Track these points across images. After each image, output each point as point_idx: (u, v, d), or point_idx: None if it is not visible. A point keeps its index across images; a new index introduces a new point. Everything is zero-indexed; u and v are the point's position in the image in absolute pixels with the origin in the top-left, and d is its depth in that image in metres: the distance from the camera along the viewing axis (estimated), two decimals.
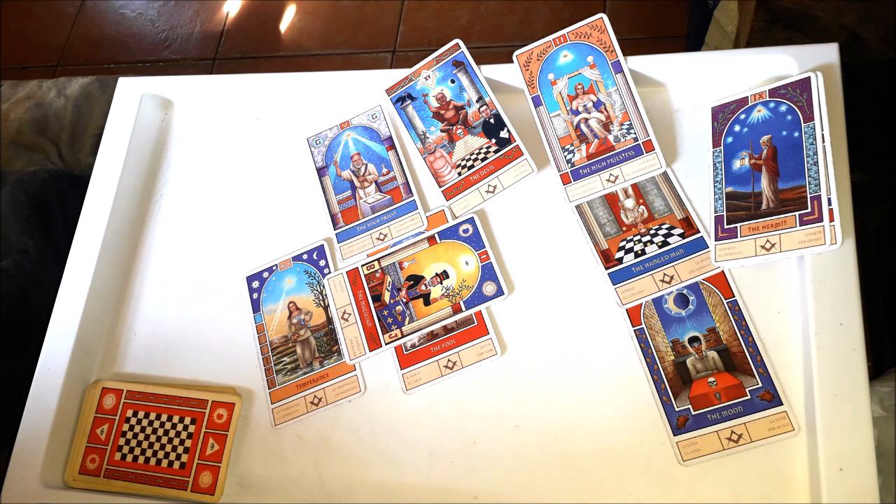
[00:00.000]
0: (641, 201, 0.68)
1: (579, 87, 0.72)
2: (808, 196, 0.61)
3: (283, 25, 1.69)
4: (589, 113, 0.71)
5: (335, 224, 0.75)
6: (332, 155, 0.78)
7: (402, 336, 0.69)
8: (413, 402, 0.68)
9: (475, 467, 0.64)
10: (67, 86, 1.19)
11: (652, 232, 0.67)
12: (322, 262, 0.74)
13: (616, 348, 0.65)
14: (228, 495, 0.68)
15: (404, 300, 0.70)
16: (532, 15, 1.55)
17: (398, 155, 0.76)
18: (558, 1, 1.54)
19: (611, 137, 0.70)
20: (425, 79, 0.77)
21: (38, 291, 0.89)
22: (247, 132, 0.82)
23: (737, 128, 0.67)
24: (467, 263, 0.70)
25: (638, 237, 0.67)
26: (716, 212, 0.66)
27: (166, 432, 0.70)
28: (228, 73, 0.85)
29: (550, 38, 0.73)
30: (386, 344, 0.69)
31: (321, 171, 0.78)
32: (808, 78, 0.64)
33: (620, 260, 0.67)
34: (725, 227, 0.64)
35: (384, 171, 0.76)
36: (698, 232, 0.66)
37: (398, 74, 0.78)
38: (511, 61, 0.74)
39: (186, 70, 1.69)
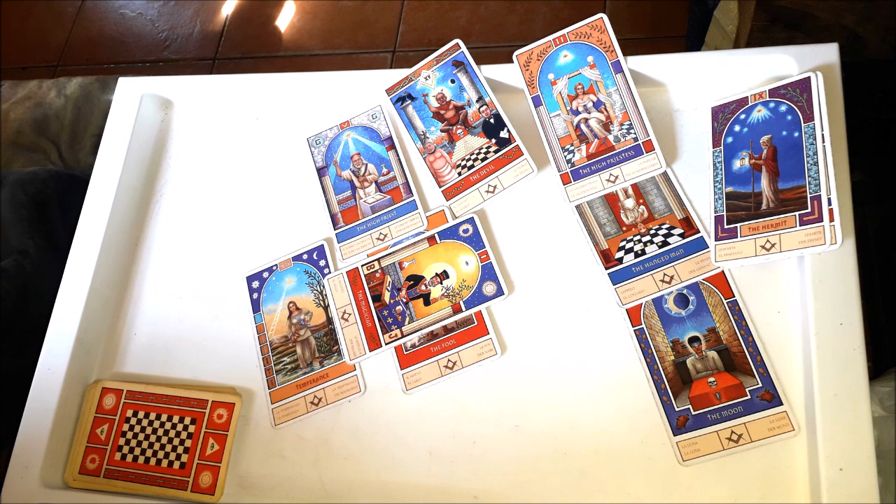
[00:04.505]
0: (641, 201, 0.68)
1: (579, 87, 0.72)
2: (808, 196, 0.61)
3: (283, 25, 1.69)
4: (589, 113, 0.71)
5: (335, 224, 0.75)
6: (332, 155, 0.78)
7: (402, 336, 0.69)
8: (413, 402, 0.68)
9: (475, 467, 0.64)
10: (67, 86, 1.19)
11: (652, 232, 0.67)
12: (322, 262, 0.74)
13: (616, 348, 0.65)
14: (228, 495, 0.68)
15: (404, 300, 0.70)
16: (532, 15, 1.55)
17: (398, 155, 0.76)
18: (558, 1, 1.54)
19: (611, 137, 0.70)
20: (425, 79, 0.77)
21: (38, 291, 0.89)
22: (247, 132, 0.82)
23: (737, 128, 0.67)
24: (467, 263, 0.70)
25: (638, 237, 0.67)
26: (716, 212, 0.66)
27: (166, 432, 0.70)
28: (228, 73, 0.85)
29: (550, 38, 0.73)
30: (386, 344, 0.69)
31: (321, 171, 0.78)
32: (808, 78, 0.64)
33: (620, 260, 0.67)
34: (725, 227, 0.64)
35: (384, 171, 0.76)
36: (698, 232, 0.66)
37: (398, 74, 0.78)
38: (511, 61, 0.74)
39: (186, 70, 1.69)
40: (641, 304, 0.65)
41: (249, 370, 0.72)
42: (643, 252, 0.67)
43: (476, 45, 1.47)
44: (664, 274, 0.66)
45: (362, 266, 0.72)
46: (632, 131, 0.69)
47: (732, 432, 0.60)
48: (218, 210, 0.80)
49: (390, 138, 0.77)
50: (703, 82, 0.71)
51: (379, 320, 0.70)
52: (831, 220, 0.59)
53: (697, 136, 0.70)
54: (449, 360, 0.68)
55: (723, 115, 0.69)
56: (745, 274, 0.64)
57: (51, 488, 0.69)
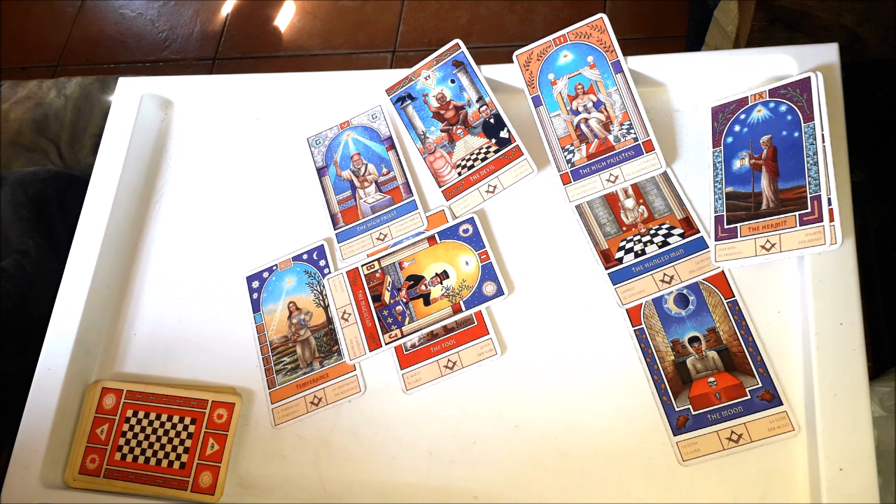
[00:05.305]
0: (641, 201, 0.68)
1: (579, 87, 0.72)
2: (808, 196, 0.61)
3: (283, 25, 1.69)
4: (589, 113, 0.71)
5: (335, 224, 0.75)
6: (332, 155, 0.78)
7: (402, 336, 0.69)
8: (413, 402, 0.68)
9: (475, 467, 0.64)
10: (67, 86, 1.19)
11: (652, 232, 0.67)
12: (322, 262, 0.74)
13: (616, 348, 0.65)
14: (228, 495, 0.68)
15: (404, 300, 0.70)
16: (532, 15, 1.55)
17: (398, 155, 0.76)
18: (558, 1, 1.54)
19: (611, 137, 0.70)
20: (425, 79, 0.77)
21: (38, 291, 0.89)
22: (247, 132, 0.82)
23: (737, 128, 0.67)
24: (467, 263, 0.70)
25: (638, 237, 0.67)
26: (716, 212, 0.66)
27: (166, 432, 0.70)
28: (228, 73, 0.85)
29: (550, 38, 0.73)
30: (386, 344, 0.69)
31: (321, 171, 0.78)
32: (808, 78, 0.64)
33: (620, 260, 0.67)
34: (725, 227, 0.64)
35: (384, 171, 0.76)
36: (698, 232, 0.66)
37: (398, 74, 0.78)
38: (511, 61, 0.74)
39: (186, 70, 1.69)
40: (641, 304, 0.65)
41: (249, 370, 0.72)
42: (643, 252, 0.67)
43: (476, 45, 1.47)
44: (664, 274, 0.66)
45: (362, 266, 0.72)
46: (632, 131, 0.69)
47: (732, 432, 0.60)
48: (218, 210, 0.80)
49: (390, 138, 0.77)
50: (703, 82, 0.71)
51: (379, 320, 0.70)
52: (831, 220, 0.59)
53: (697, 136, 0.70)
54: (449, 360, 0.68)
55: (723, 115, 0.69)
56: (745, 274, 0.64)
57: (51, 488, 0.69)
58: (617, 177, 0.69)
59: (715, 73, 0.71)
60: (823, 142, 0.61)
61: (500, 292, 0.68)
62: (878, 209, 0.95)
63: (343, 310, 0.71)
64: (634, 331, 0.65)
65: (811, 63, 0.67)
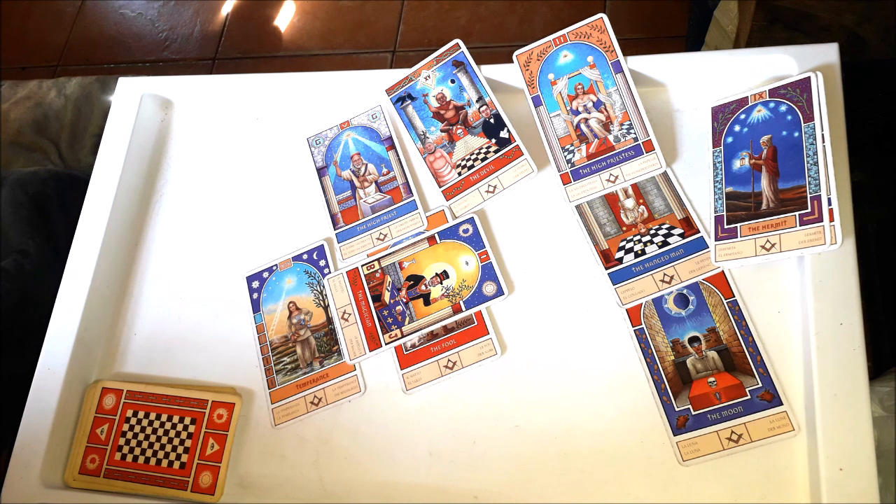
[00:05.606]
0: (641, 201, 0.68)
1: (579, 87, 0.72)
2: (808, 196, 0.61)
3: (283, 25, 1.69)
4: (589, 113, 0.71)
5: (335, 224, 0.75)
6: (332, 155, 0.78)
7: (402, 336, 0.69)
8: (413, 402, 0.68)
9: (475, 467, 0.64)
10: (67, 86, 1.19)
11: (652, 232, 0.67)
12: (322, 262, 0.74)
13: (616, 348, 0.65)
14: (228, 495, 0.68)
15: (404, 300, 0.70)
16: (532, 15, 1.55)
17: (398, 155, 0.76)
18: (558, 1, 1.54)
19: (611, 137, 0.70)
20: (425, 79, 0.77)
21: (38, 291, 0.89)
22: (247, 132, 0.82)
23: (737, 128, 0.67)
24: (467, 263, 0.70)
25: (638, 237, 0.67)
26: (716, 212, 0.66)
27: (166, 432, 0.70)
28: (228, 73, 0.85)
29: (550, 38, 0.73)
30: (386, 344, 0.69)
31: (321, 171, 0.78)
32: (808, 78, 0.64)
33: (620, 260, 0.67)
34: (725, 227, 0.64)
35: (384, 171, 0.76)
36: (698, 232, 0.66)
37: (398, 74, 0.78)
38: (511, 61, 0.74)
39: (186, 70, 1.69)
40: (641, 304, 0.65)
41: (249, 370, 0.72)
42: (643, 252, 0.67)
43: (476, 45, 1.47)
44: (664, 274, 0.66)
45: (362, 266, 0.72)
46: (632, 131, 0.69)
47: (732, 432, 0.60)
48: (218, 210, 0.80)
49: (390, 138, 0.77)
50: (703, 82, 0.71)
51: (379, 320, 0.70)
52: (831, 220, 0.59)
53: (697, 136, 0.70)
54: (449, 360, 0.68)
55: (723, 115, 0.69)
56: (745, 274, 0.64)
57: (51, 488, 0.69)
58: (617, 177, 0.69)
59: (715, 73, 0.71)
60: (823, 142, 0.61)
61: (500, 292, 0.68)
62: (878, 209, 0.95)
63: (343, 310, 0.71)
64: (634, 331, 0.65)
65: (811, 63, 0.67)
